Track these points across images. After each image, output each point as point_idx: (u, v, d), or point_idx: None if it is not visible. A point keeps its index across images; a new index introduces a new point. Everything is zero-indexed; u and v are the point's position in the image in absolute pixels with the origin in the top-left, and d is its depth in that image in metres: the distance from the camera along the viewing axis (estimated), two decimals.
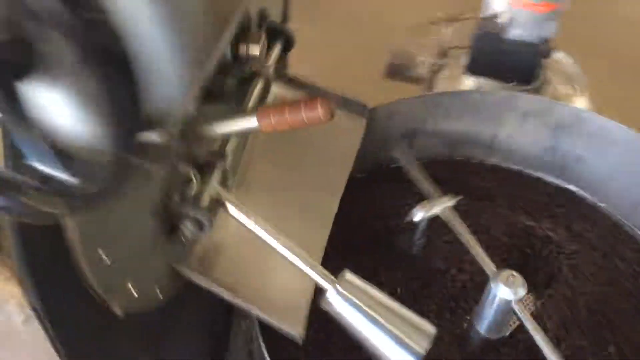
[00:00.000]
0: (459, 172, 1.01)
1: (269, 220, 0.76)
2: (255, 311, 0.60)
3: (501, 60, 1.07)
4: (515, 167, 1.03)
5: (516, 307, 0.75)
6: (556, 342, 0.80)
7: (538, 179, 1.02)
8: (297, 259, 0.57)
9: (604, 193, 0.96)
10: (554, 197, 1.00)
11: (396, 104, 0.94)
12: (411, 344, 0.55)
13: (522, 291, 0.74)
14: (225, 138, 0.61)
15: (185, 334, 0.73)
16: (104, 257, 0.43)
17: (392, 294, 0.85)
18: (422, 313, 0.83)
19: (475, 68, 1.10)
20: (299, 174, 0.81)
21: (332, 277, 0.57)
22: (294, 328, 0.61)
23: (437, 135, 1.01)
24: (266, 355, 0.66)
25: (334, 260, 0.89)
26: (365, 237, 0.93)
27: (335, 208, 0.79)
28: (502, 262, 0.88)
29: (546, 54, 1.07)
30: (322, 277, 0.57)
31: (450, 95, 0.97)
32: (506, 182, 1.02)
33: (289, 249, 0.58)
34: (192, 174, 0.54)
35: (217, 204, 0.58)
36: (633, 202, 0.93)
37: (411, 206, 0.92)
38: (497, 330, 0.80)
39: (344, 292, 0.56)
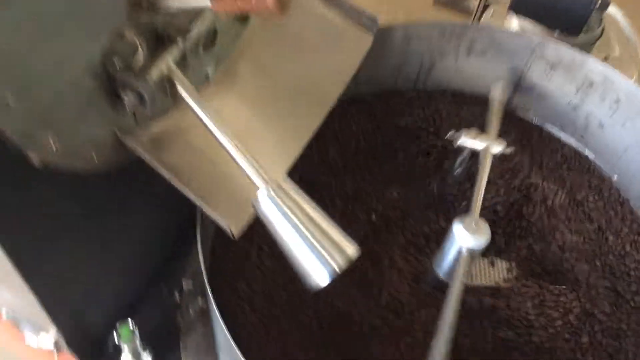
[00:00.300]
0: (472, 111, 0.96)
1: (243, 119, 0.75)
2: (192, 197, 0.60)
3: (549, 3, 0.97)
4: (536, 121, 0.97)
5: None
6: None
7: (558, 139, 0.95)
8: (236, 150, 0.56)
9: (619, 166, 0.89)
10: (568, 160, 0.94)
11: (415, 26, 0.88)
12: (328, 259, 0.54)
13: (483, 240, 0.71)
14: (192, 17, 0.59)
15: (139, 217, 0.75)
16: (9, 97, 0.42)
17: (368, 216, 0.85)
18: (388, 243, 0.83)
19: (519, 7, 1.01)
20: (291, 80, 0.79)
21: (268, 178, 0.56)
22: (228, 221, 0.61)
23: (456, 69, 0.95)
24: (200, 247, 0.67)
25: (319, 175, 0.89)
26: (362, 154, 0.91)
27: (318, 121, 0.76)
28: (493, 213, 0.85)
29: (603, 5, 0.97)
30: (256, 175, 0.56)
31: (476, 28, 0.90)
32: (523, 134, 0.96)
33: (230, 141, 0.56)
34: (139, 43, 0.53)
35: (169, 83, 0.57)
36: None
37: (415, 132, 0.90)
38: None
39: (274, 195, 0.55)
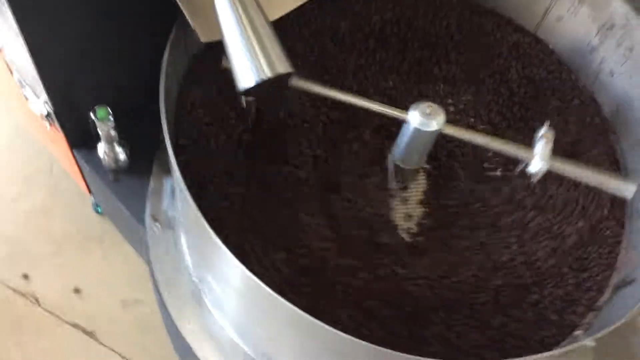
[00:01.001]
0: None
1: None
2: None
3: None
4: (555, 56, 0.95)
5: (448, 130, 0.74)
6: None
7: (569, 80, 0.94)
8: None
9: (619, 120, 0.88)
10: (571, 104, 0.92)
11: None
12: (260, 67, 0.59)
13: (436, 124, 0.73)
14: None
15: None
16: None
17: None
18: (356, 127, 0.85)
19: None
20: None
21: None
22: (197, 26, 0.66)
23: None
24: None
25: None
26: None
27: None
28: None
29: None
30: None
31: None
32: (538, 66, 0.94)
33: None
34: None
35: None
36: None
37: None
38: (413, 161, 0.80)
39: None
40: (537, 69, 0.93)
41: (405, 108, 0.73)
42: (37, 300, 1.27)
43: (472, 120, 0.88)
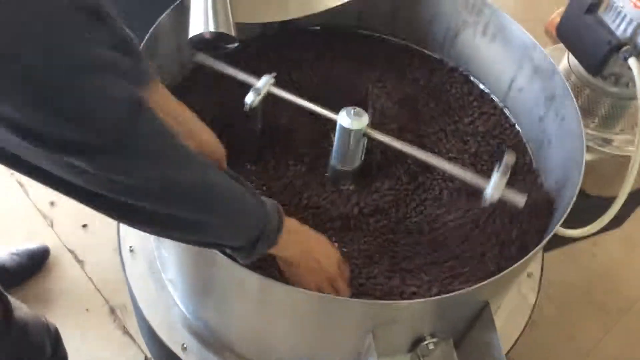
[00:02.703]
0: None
1: None
2: None
3: (576, 33, 1.05)
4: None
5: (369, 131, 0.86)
6: None
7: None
8: None
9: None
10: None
11: None
12: (210, 21, 0.75)
13: (364, 120, 0.85)
14: None
15: None
16: None
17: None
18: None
19: (560, 32, 1.09)
20: None
21: None
22: None
23: (473, 47, 1.09)
24: None
25: None
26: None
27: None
28: None
29: (625, 54, 1.00)
30: None
31: (492, 9, 1.02)
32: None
33: None
34: None
35: None
36: None
37: None
38: (348, 162, 0.92)
39: None
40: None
41: None
42: None
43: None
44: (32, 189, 1.56)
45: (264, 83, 0.87)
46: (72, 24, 0.43)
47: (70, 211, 1.55)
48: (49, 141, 0.42)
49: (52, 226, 1.53)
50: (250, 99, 0.86)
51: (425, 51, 1.16)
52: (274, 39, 1.12)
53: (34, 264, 1.42)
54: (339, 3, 1.02)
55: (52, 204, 1.57)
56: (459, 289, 0.74)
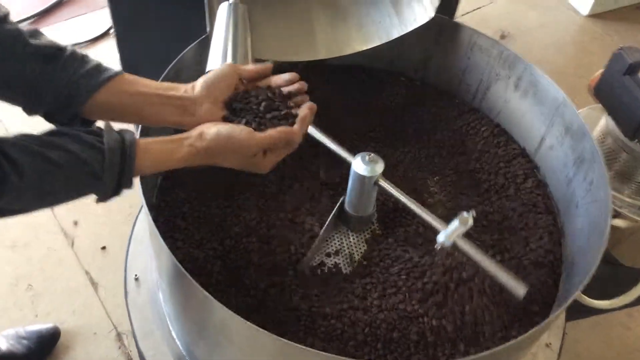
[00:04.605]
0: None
1: None
2: None
3: (614, 98, 1.00)
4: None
5: (381, 182, 0.83)
6: None
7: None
8: None
9: None
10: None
11: (479, 34, 1.01)
12: (228, 58, 0.74)
13: (379, 168, 0.82)
14: None
15: None
16: None
17: None
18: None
19: (598, 93, 1.05)
20: None
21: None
22: None
23: (505, 100, 1.05)
24: None
25: None
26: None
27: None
28: None
29: None
30: None
31: (524, 64, 0.98)
32: None
33: None
34: None
35: None
36: None
37: None
38: (362, 209, 0.89)
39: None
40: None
41: None
42: None
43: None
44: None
45: None
46: None
47: (92, 232, 1.55)
48: None
49: (72, 246, 1.54)
50: None
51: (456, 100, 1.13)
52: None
53: (44, 348, 1.33)
54: (368, 46, 1.01)
55: (75, 223, 1.58)
56: None
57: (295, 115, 0.73)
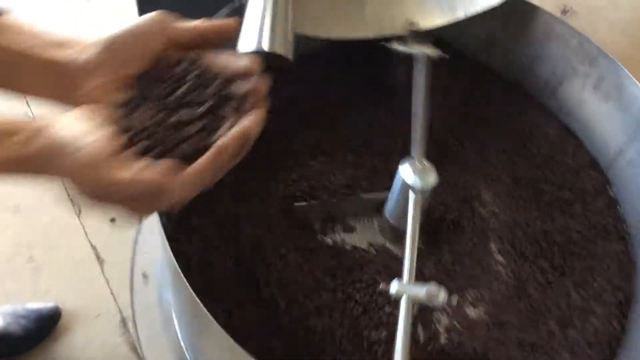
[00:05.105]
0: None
1: None
2: None
3: None
4: None
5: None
6: None
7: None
8: None
9: None
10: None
11: (559, 22, 0.86)
12: (265, 37, 0.61)
13: (431, 180, 0.69)
14: None
15: None
16: None
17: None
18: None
19: None
20: None
21: None
22: None
23: (580, 101, 0.91)
24: None
25: None
26: None
27: None
28: None
29: None
30: None
31: (609, 61, 0.83)
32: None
33: None
34: None
35: None
36: None
37: None
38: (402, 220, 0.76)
39: None
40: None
41: None
42: None
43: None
44: None
45: None
46: None
47: None
48: None
49: (79, 215, 1.43)
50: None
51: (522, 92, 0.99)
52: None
53: (43, 329, 1.22)
54: (427, 27, 0.86)
55: None
56: None
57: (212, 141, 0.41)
